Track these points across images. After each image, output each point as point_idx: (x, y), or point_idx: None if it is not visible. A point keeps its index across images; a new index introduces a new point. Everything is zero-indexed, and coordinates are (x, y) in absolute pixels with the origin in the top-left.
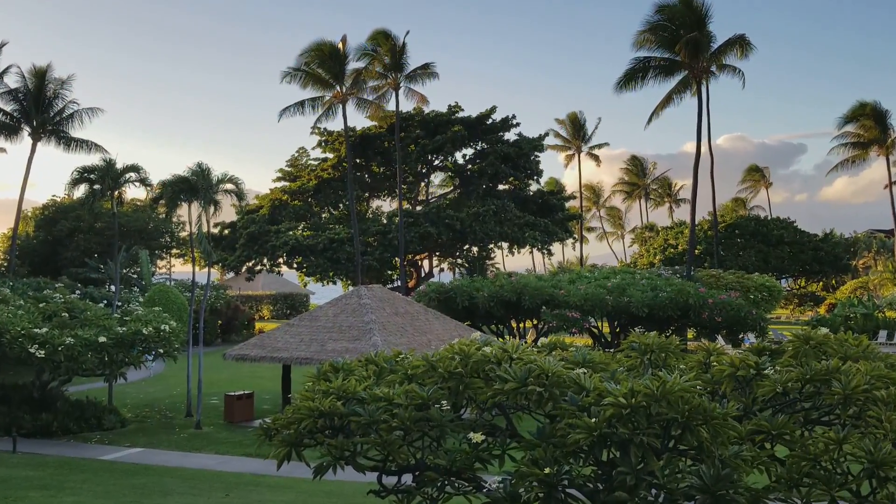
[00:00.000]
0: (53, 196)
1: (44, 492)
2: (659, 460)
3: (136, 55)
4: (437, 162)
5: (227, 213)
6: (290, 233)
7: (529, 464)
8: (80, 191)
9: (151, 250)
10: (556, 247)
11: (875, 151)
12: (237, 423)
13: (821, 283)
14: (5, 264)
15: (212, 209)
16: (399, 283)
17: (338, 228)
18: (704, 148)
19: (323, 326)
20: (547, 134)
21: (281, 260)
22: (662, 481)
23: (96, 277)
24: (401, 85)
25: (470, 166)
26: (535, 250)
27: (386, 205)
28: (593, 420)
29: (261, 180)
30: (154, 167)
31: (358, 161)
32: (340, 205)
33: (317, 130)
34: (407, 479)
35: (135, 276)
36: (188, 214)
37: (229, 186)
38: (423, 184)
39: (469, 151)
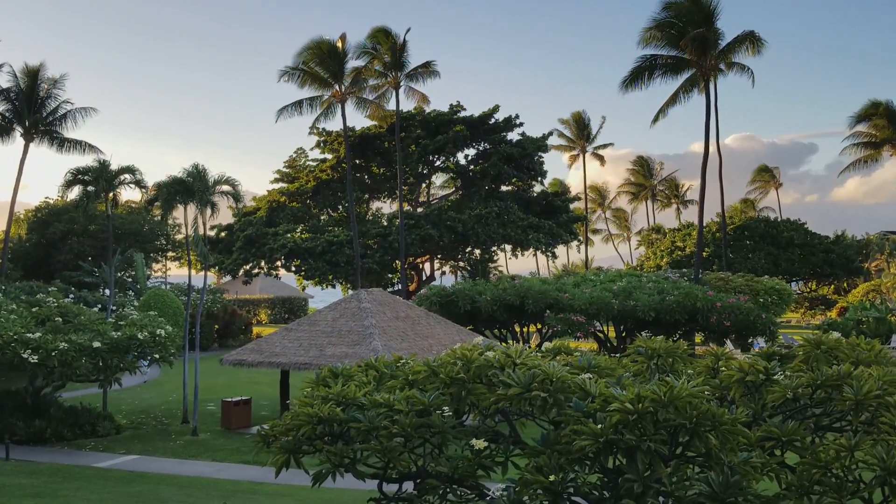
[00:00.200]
0: (46, 198)
1: (37, 500)
2: (666, 467)
3: (130, 54)
4: (438, 162)
5: (224, 215)
6: (289, 235)
7: (534, 471)
8: (74, 193)
9: (147, 253)
10: (560, 249)
11: (888, 151)
12: (234, 430)
13: (832, 287)
14: None
15: (208, 211)
16: (400, 286)
17: (337, 231)
18: (713, 148)
19: (322, 331)
20: (551, 133)
21: (279, 263)
22: (670, 489)
23: (90, 281)
24: (401, 84)
25: (472, 167)
26: (538, 253)
27: (386, 206)
28: (599, 426)
29: (258, 182)
30: (149, 168)
31: (357, 162)
32: (340, 206)
33: (315, 131)
34: (408, 486)
35: (130, 279)
36: (184, 217)
37: (226, 188)
38: (424, 185)
39: (471, 152)
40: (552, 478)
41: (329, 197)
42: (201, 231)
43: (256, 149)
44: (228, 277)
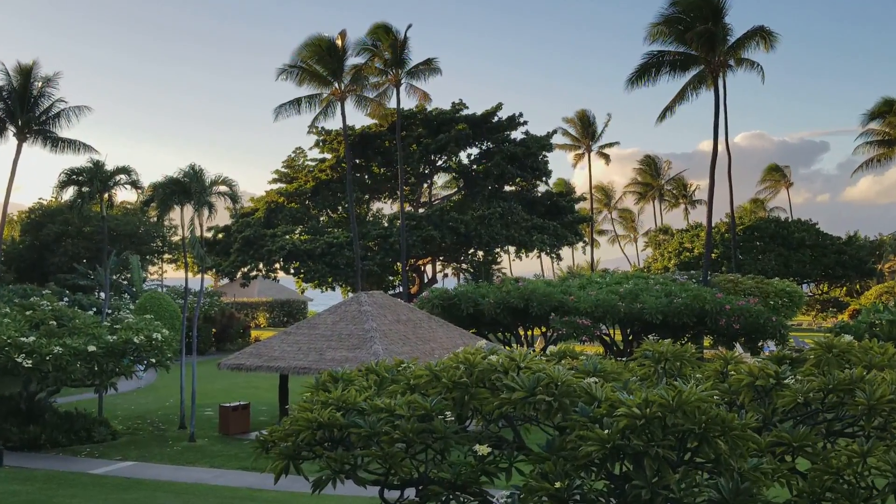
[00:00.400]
0: (40, 199)
1: None
2: (675, 473)
3: (127, 53)
4: (440, 162)
5: (222, 216)
6: (287, 237)
7: (539, 477)
8: (68, 193)
9: (142, 255)
10: (565, 251)
11: None
12: (232, 436)
13: (844, 288)
14: None
15: (205, 212)
16: (401, 289)
17: (337, 232)
18: (721, 146)
19: (321, 335)
20: (555, 132)
21: (277, 265)
22: (679, 495)
23: (85, 284)
24: (402, 81)
25: (475, 166)
26: (543, 254)
27: (387, 207)
28: (606, 431)
29: (256, 182)
30: (145, 168)
31: (357, 161)
32: (339, 207)
33: (314, 130)
34: (410, 493)
35: (125, 282)
36: (181, 218)
37: (223, 188)
38: (425, 185)
39: (474, 151)
40: (558, 484)
41: (328, 197)
42: (198, 233)
43: (254, 149)
44: (226, 280)
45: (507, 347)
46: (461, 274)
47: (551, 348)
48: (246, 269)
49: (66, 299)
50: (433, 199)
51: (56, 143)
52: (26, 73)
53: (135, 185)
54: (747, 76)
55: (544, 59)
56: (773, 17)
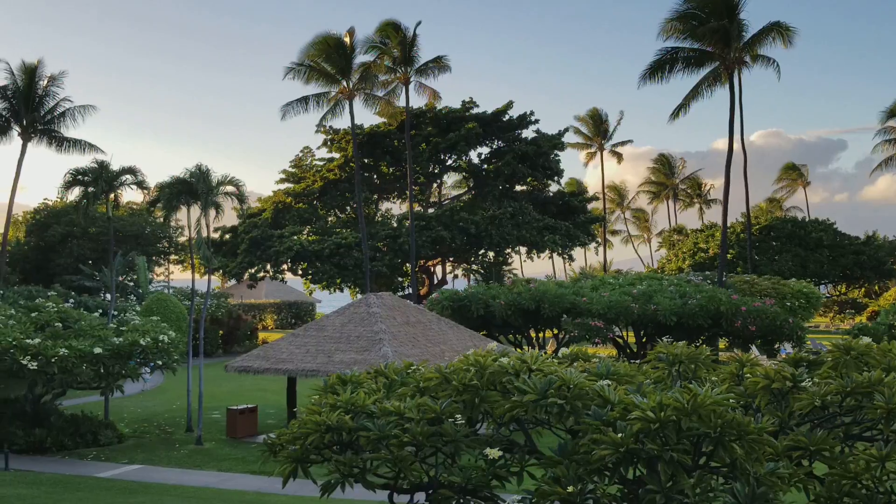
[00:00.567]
0: (45, 199)
1: None
2: (690, 478)
3: (133, 51)
4: (450, 161)
5: (229, 217)
6: (295, 237)
7: (551, 482)
8: (74, 194)
9: (149, 256)
10: (577, 251)
11: None
12: (240, 439)
13: (862, 290)
14: None
15: (212, 213)
16: (410, 290)
17: (345, 233)
18: (737, 145)
19: (330, 336)
20: (567, 130)
21: (285, 266)
22: (694, 500)
23: (91, 285)
24: (411, 79)
25: (485, 166)
26: (555, 255)
27: (396, 207)
28: (619, 435)
29: (263, 182)
30: (151, 168)
31: (366, 161)
32: (348, 207)
33: (322, 129)
34: (420, 497)
35: (131, 283)
36: (187, 218)
37: (230, 189)
38: (435, 185)
39: (484, 150)
40: (570, 489)
41: (337, 198)
42: (205, 233)
43: (262, 148)
44: (233, 281)
45: (518, 350)
46: (471, 275)
47: (563, 350)
48: (253, 271)
49: (71, 301)
50: (443, 199)
51: (61, 142)
52: (31, 71)
53: (141, 185)
54: (763, 73)
55: (556, 57)
56: (789, 13)
